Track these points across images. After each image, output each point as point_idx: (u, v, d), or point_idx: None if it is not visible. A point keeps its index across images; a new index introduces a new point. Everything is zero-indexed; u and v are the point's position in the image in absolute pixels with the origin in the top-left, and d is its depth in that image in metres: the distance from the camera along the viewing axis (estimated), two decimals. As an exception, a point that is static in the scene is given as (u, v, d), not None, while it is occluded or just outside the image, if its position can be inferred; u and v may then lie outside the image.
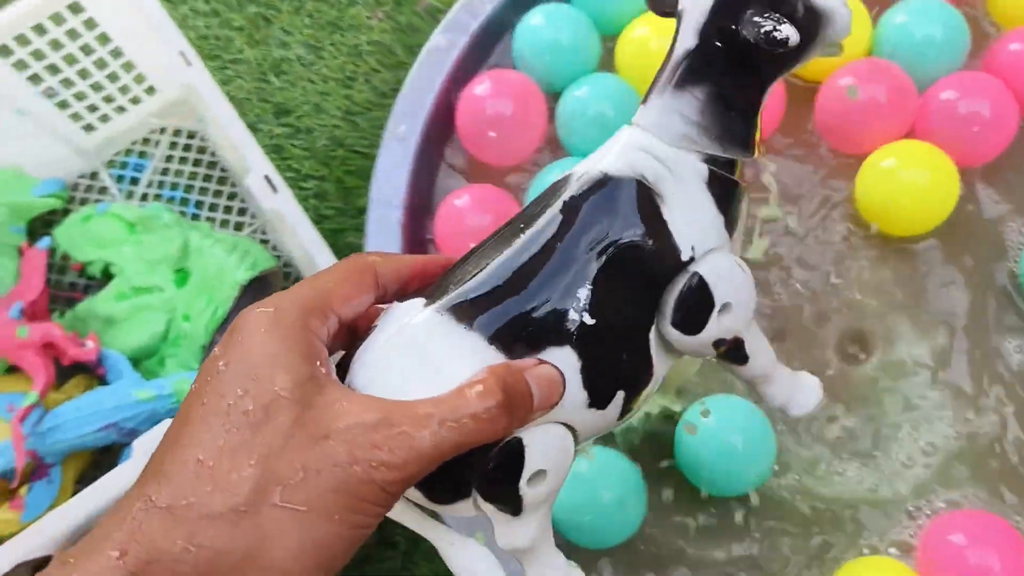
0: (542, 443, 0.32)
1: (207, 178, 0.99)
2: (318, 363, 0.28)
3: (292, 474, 0.26)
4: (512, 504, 0.33)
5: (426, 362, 0.31)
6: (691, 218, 0.34)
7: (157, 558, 0.24)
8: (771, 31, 0.32)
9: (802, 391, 0.41)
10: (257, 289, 0.90)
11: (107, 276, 0.90)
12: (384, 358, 0.31)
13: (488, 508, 0.34)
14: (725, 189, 0.35)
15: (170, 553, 0.24)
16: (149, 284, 0.85)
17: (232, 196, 0.97)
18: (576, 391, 0.33)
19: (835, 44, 0.35)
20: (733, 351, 0.37)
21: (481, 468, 0.32)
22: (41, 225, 0.94)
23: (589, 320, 0.32)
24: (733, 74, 0.34)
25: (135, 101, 0.98)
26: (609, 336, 0.33)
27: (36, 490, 0.82)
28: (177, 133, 1.01)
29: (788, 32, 0.32)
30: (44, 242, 0.87)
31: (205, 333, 0.85)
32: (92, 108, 0.96)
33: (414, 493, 0.33)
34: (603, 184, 0.33)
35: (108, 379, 0.83)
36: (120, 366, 0.83)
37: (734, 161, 0.35)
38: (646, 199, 0.33)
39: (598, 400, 0.34)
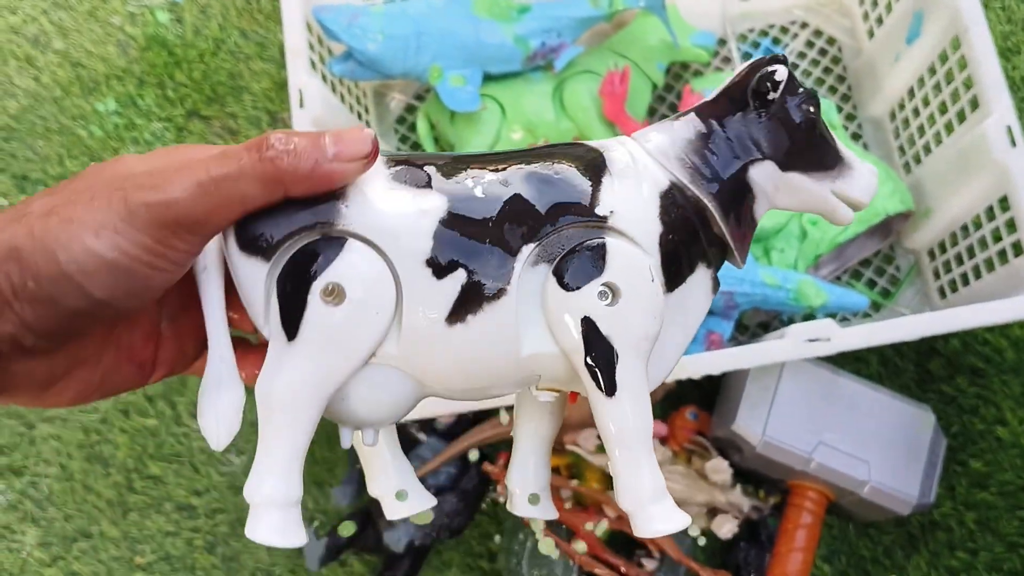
0: (354, 257, 0.31)
1: (831, 90, 0.96)
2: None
3: (74, 197, 0.28)
4: (292, 309, 0.31)
5: None
6: (626, 197, 0.33)
7: None
8: (755, 87, 0.33)
9: (662, 505, 0.32)
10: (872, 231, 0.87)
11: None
12: None
13: (273, 313, 0.31)
14: (677, 212, 0.33)
15: None
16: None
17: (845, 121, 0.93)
18: (423, 235, 0.31)
19: (850, 201, 0.35)
20: (601, 362, 0.32)
21: (295, 246, 0.31)
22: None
23: (478, 192, 0.32)
24: (731, 128, 0.34)
25: (796, -14, 0.95)
26: (486, 211, 0.32)
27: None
28: (817, 35, 0.97)
29: (765, 95, 0.33)
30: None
31: (827, 244, 0.82)
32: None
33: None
34: (580, 144, 0.34)
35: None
36: (734, 239, 0.82)
37: (705, 214, 0.33)
38: (599, 160, 0.33)
39: (437, 260, 0.31)
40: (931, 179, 0.85)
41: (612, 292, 0.32)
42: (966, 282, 0.82)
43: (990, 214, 0.78)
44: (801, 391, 0.78)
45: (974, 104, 0.77)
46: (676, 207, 0.33)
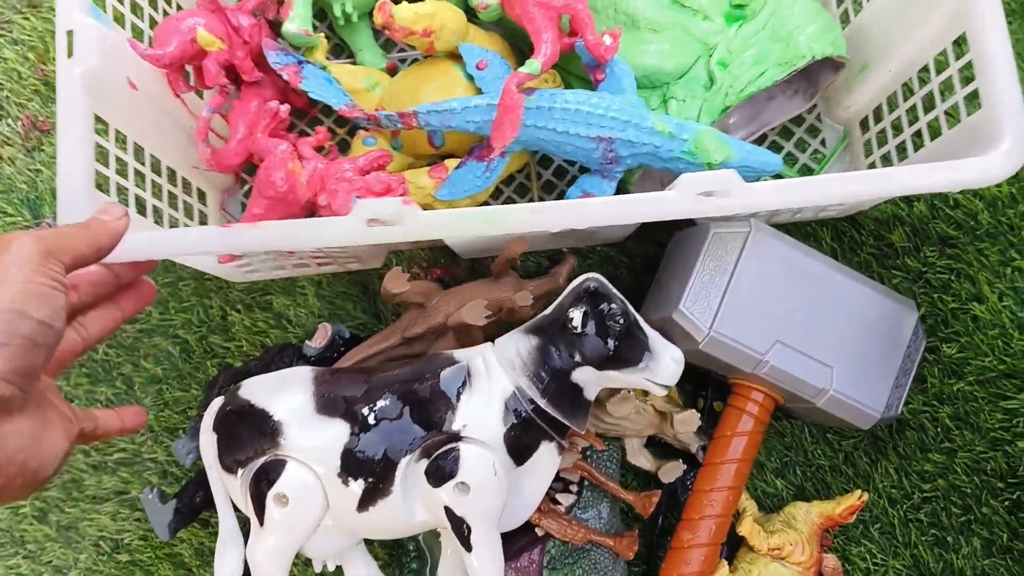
0: (295, 474, 0.52)
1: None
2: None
3: None
4: (258, 507, 0.53)
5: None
6: (477, 409, 0.52)
7: None
8: (569, 314, 0.52)
9: None
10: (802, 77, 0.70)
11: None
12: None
13: (248, 507, 0.54)
14: (519, 416, 0.52)
15: None
16: (696, 5, 0.66)
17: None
18: (334, 456, 0.52)
19: (656, 384, 0.53)
20: (459, 531, 0.52)
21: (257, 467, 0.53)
22: None
23: (371, 419, 0.53)
24: (557, 344, 0.52)
25: None
26: (376, 436, 0.52)
27: (467, 170, 0.65)
28: None
29: (577, 321, 0.52)
30: None
31: (735, 95, 0.65)
32: None
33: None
34: (451, 361, 0.55)
35: (602, 87, 0.64)
36: (625, 81, 0.64)
37: (542, 407, 0.52)
38: (462, 378, 0.53)
39: (346, 472, 0.52)
40: (874, 25, 0.68)
41: (463, 487, 0.51)
42: (904, 155, 0.66)
43: (940, 64, 0.62)
44: (763, 276, 0.61)
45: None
46: (516, 408, 0.53)
